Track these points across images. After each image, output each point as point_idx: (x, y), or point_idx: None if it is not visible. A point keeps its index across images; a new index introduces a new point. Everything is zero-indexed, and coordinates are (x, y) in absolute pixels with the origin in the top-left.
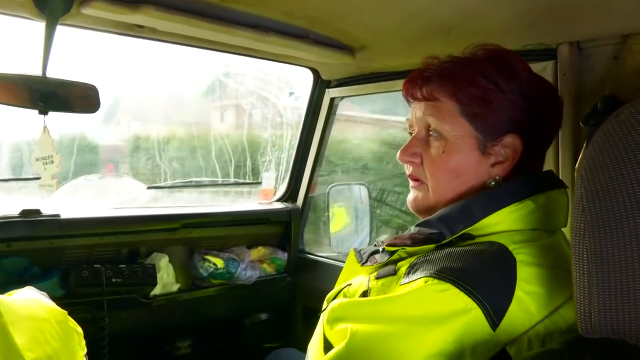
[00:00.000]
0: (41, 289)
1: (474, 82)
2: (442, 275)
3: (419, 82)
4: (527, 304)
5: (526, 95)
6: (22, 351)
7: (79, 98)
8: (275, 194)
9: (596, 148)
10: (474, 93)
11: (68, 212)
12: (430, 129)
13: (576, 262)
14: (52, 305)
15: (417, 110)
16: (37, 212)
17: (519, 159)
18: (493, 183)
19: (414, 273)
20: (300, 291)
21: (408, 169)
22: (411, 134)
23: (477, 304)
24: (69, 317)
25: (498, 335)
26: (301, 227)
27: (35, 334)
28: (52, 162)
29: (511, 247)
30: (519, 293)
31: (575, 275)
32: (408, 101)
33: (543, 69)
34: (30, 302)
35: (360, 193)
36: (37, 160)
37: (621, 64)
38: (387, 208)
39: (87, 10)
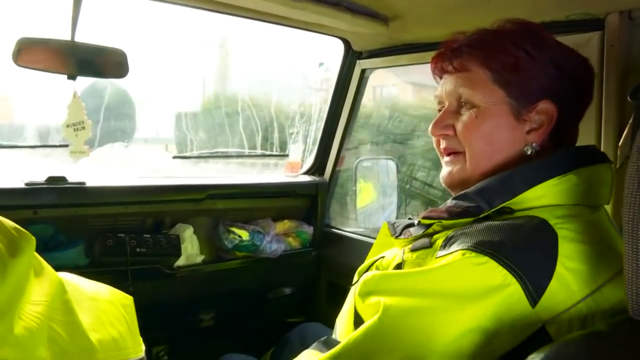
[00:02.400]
0: (66, 257)
1: (504, 49)
2: (480, 248)
3: (447, 54)
4: (568, 280)
5: (558, 63)
6: (86, 331)
7: (107, 63)
8: (302, 167)
9: None
10: (505, 60)
11: (93, 180)
12: (462, 99)
13: (629, 239)
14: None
15: (447, 84)
16: (62, 179)
17: (557, 127)
18: (530, 150)
19: (450, 245)
20: (325, 266)
21: (441, 143)
22: (440, 110)
23: (516, 279)
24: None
25: (537, 312)
26: (328, 201)
27: (99, 315)
28: (84, 128)
29: (552, 222)
30: (559, 269)
31: (627, 253)
32: (437, 76)
33: (587, 41)
34: (95, 284)
35: (388, 167)
36: (68, 126)
37: None
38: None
39: None
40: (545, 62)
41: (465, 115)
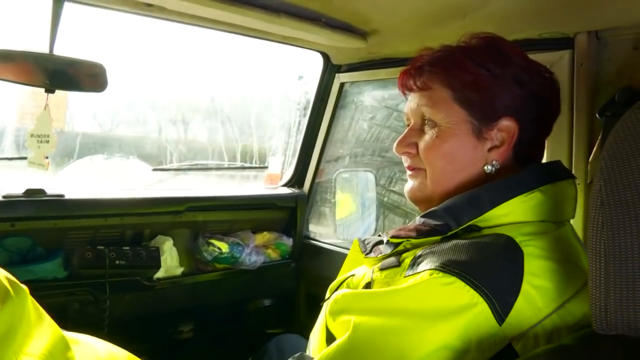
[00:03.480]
0: (44, 270)
1: (464, 67)
2: (447, 267)
3: (411, 72)
4: (534, 297)
5: (520, 80)
6: None
7: (86, 76)
8: (281, 179)
9: (617, 139)
10: (466, 78)
11: (72, 192)
12: (425, 118)
13: (592, 256)
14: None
15: (411, 102)
16: (41, 192)
17: (518, 145)
18: (491, 168)
19: (418, 265)
20: (304, 277)
21: (406, 161)
22: (408, 125)
23: (483, 298)
24: None
25: (504, 330)
26: (307, 213)
27: None
28: (47, 142)
29: (518, 239)
30: (525, 287)
31: (591, 269)
32: (404, 93)
33: (559, 58)
34: (112, 347)
35: (367, 179)
36: (32, 136)
37: None
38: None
39: None
40: (507, 80)
41: (428, 134)
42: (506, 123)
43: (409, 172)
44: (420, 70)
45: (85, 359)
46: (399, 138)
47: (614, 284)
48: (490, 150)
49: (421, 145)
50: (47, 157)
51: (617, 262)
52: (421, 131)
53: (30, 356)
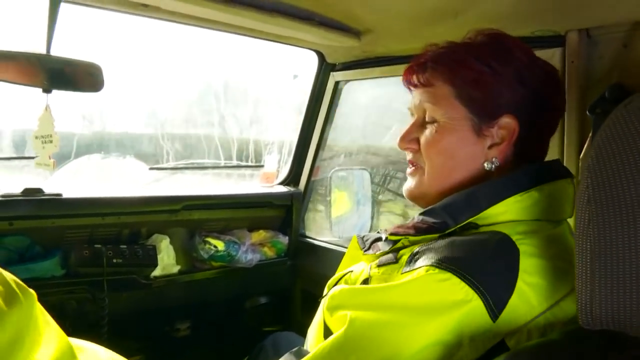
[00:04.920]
0: (42, 268)
1: (467, 65)
2: (443, 264)
3: (415, 68)
4: (528, 295)
5: (523, 78)
6: None
7: (83, 76)
8: (277, 177)
9: (604, 136)
10: (468, 76)
11: (70, 191)
12: (427, 114)
13: (579, 252)
14: None
15: (415, 98)
16: (39, 191)
17: (519, 142)
18: (489, 166)
19: (415, 261)
20: (300, 275)
21: (408, 156)
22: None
23: (478, 294)
24: None
25: (498, 326)
26: (302, 211)
27: None
28: (51, 142)
29: (514, 237)
30: (520, 284)
31: (577, 265)
32: (409, 89)
33: (551, 56)
34: (113, 355)
35: (362, 178)
36: (37, 137)
37: (630, 51)
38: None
39: None
40: (509, 77)
41: (428, 130)
42: (507, 120)
43: (409, 170)
44: (424, 66)
45: None
46: (402, 133)
47: (599, 280)
48: (490, 147)
49: (422, 140)
50: (51, 157)
51: (603, 258)
52: (423, 127)
53: None
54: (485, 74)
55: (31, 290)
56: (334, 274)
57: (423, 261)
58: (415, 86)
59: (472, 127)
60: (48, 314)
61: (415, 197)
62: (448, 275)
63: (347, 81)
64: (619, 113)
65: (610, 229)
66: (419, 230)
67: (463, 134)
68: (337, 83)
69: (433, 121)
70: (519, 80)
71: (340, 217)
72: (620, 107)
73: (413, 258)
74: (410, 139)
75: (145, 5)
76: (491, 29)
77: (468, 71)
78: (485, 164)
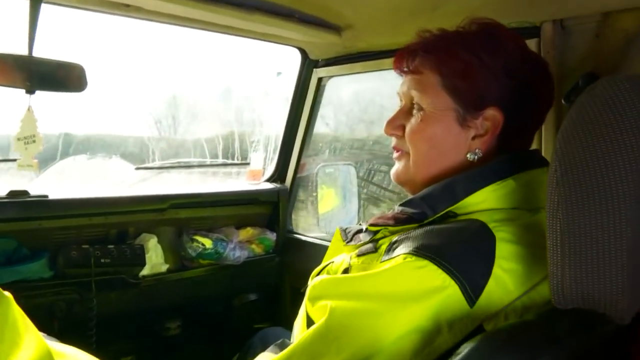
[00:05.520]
0: (30, 270)
1: (456, 55)
2: (420, 252)
3: (405, 55)
4: (505, 280)
5: (510, 71)
6: None
7: (66, 77)
8: (263, 174)
9: (570, 121)
10: (456, 66)
11: (56, 192)
12: (413, 101)
13: (550, 234)
14: None
15: (404, 84)
16: (24, 193)
17: (504, 134)
18: (473, 156)
19: (393, 250)
20: (289, 271)
21: (393, 142)
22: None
23: (454, 281)
24: None
25: (475, 312)
26: (289, 207)
27: None
28: (34, 142)
29: (491, 225)
30: (496, 270)
31: (549, 247)
32: (400, 75)
33: None
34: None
35: (348, 173)
36: (19, 139)
37: (602, 41)
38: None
39: None
40: (497, 69)
41: (414, 118)
42: (491, 113)
43: (394, 154)
44: (414, 53)
45: None
46: (389, 119)
47: (569, 260)
48: (474, 138)
49: (407, 127)
50: (34, 158)
51: (572, 238)
52: (409, 114)
53: None
54: (474, 65)
55: (6, 294)
56: None
57: (401, 249)
58: (404, 72)
59: (456, 117)
60: (28, 318)
61: (403, 182)
62: (425, 262)
63: (330, 77)
64: (584, 99)
65: (578, 211)
66: (399, 220)
67: (447, 123)
68: (320, 79)
69: (419, 109)
70: (507, 72)
71: (328, 213)
72: (584, 93)
73: (392, 247)
74: (396, 125)
75: (127, 5)
76: (486, 18)
77: (456, 61)
78: (468, 155)
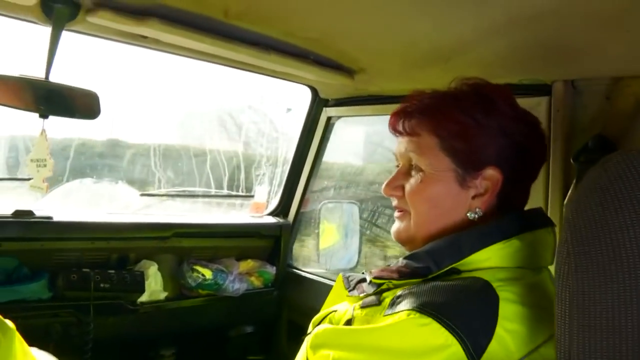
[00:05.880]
0: (29, 290)
1: (452, 117)
2: (424, 309)
3: (401, 116)
4: (507, 341)
5: (506, 130)
6: None
7: (80, 103)
8: (267, 207)
9: (583, 192)
10: (453, 128)
11: (60, 214)
12: (412, 163)
13: (559, 302)
14: None
15: (400, 145)
16: (29, 213)
17: (503, 192)
18: (474, 215)
19: (397, 304)
20: (287, 305)
21: (393, 201)
22: (397, 166)
23: (457, 340)
24: None
25: None
26: (291, 242)
27: None
28: (45, 166)
29: (495, 284)
30: (499, 330)
31: (557, 315)
32: (395, 135)
33: (537, 104)
34: None
35: (351, 211)
36: (32, 161)
37: (612, 104)
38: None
39: (92, 19)
40: (493, 129)
41: (413, 178)
42: (490, 172)
43: (396, 214)
44: (410, 115)
45: None
46: (387, 180)
47: (578, 330)
48: (474, 197)
49: (407, 188)
50: (44, 181)
51: (581, 309)
52: (408, 174)
53: None
54: (470, 127)
55: (11, 325)
56: (320, 305)
57: (405, 305)
58: (400, 134)
59: (456, 178)
60: (26, 345)
61: (403, 241)
62: (428, 320)
63: (340, 117)
64: (598, 170)
65: (589, 282)
66: (403, 274)
67: (447, 184)
68: (329, 118)
69: (418, 170)
70: (502, 132)
71: (328, 249)
72: (599, 164)
73: (395, 301)
74: (395, 185)
75: (145, 37)
76: (475, 78)
77: (453, 123)
78: (469, 214)
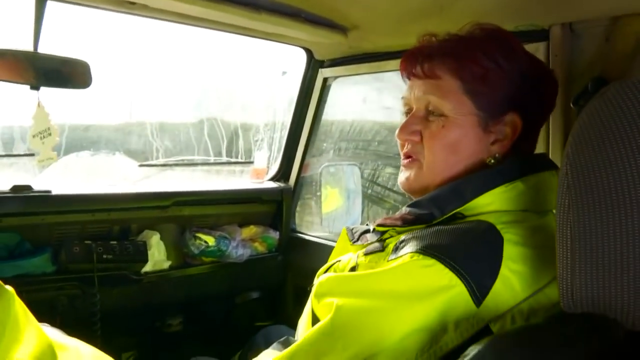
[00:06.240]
0: (32, 265)
1: (476, 60)
2: (428, 250)
3: (419, 58)
4: (512, 282)
5: (525, 74)
6: None
7: (70, 73)
8: (267, 173)
9: (582, 125)
10: (476, 71)
11: (59, 188)
12: (430, 107)
13: (560, 237)
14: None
15: (415, 89)
16: (28, 188)
17: (518, 138)
18: (492, 160)
19: (401, 249)
20: (291, 270)
21: (405, 147)
22: (407, 112)
23: (461, 280)
24: None
25: (481, 312)
26: (293, 206)
27: None
28: (50, 135)
29: (499, 226)
30: (504, 271)
31: (558, 250)
32: (405, 79)
33: (535, 50)
34: (97, 353)
35: (352, 173)
36: (34, 136)
37: (611, 45)
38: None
39: None
40: (515, 74)
41: (434, 124)
42: (511, 118)
43: (404, 161)
44: (429, 57)
45: None
46: (402, 124)
47: (579, 264)
48: (493, 143)
49: (426, 133)
50: (53, 149)
51: (582, 242)
52: (425, 119)
53: None
54: (493, 70)
55: (9, 288)
56: None
57: (408, 248)
58: (417, 77)
59: (478, 123)
60: (29, 312)
61: (414, 191)
62: (432, 261)
63: (336, 77)
64: (596, 102)
65: (589, 214)
66: (406, 221)
67: (470, 129)
68: (325, 79)
69: (439, 114)
70: (522, 77)
71: (331, 212)
72: (597, 97)
73: (399, 246)
74: (411, 130)
75: (133, 3)
76: (491, 24)
77: (477, 66)
78: (488, 160)
